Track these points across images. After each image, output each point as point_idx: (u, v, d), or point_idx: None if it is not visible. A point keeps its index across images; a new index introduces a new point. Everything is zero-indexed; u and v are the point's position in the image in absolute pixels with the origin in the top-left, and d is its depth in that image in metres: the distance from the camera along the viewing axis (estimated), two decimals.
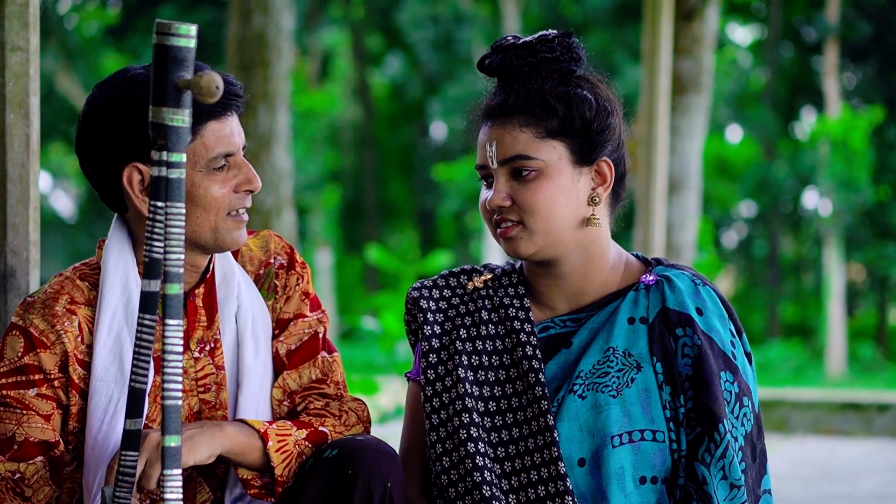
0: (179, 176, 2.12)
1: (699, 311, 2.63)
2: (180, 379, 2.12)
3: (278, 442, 2.58)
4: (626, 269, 2.73)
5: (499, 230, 2.65)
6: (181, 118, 2.12)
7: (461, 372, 2.67)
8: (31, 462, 2.55)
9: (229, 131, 2.61)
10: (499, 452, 2.63)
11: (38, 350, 2.58)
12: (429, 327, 2.74)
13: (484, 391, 2.67)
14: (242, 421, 2.60)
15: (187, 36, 2.12)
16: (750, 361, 2.68)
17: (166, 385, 2.10)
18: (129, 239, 2.66)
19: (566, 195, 2.63)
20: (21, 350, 2.58)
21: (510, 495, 2.60)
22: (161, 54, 2.12)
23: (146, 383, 2.23)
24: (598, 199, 2.66)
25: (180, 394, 2.12)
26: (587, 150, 2.64)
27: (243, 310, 2.71)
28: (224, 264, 2.73)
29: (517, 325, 2.69)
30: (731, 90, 25.46)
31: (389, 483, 2.53)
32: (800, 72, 27.38)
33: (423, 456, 2.75)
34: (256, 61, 8.32)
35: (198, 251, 2.65)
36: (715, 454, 2.56)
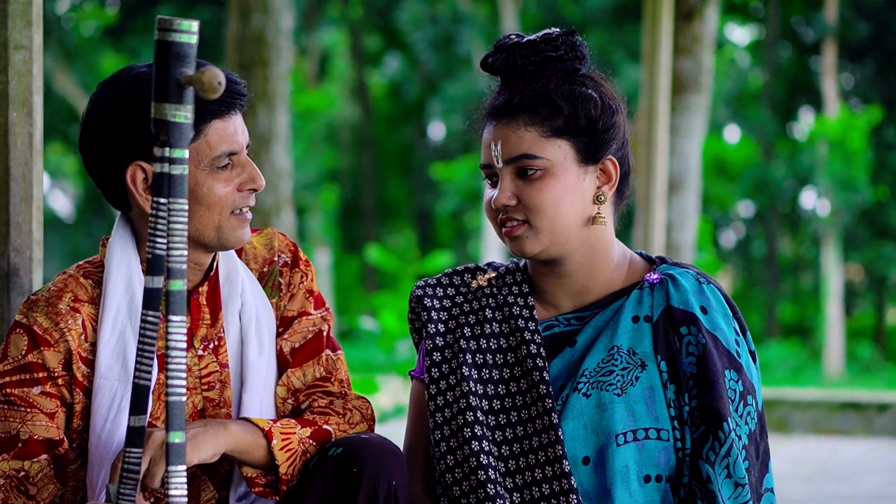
0: (182, 172, 2.12)
1: (703, 310, 2.63)
2: (184, 375, 2.12)
3: (282, 440, 2.57)
4: (631, 267, 2.73)
5: (504, 229, 2.65)
6: (183, 114, 2.12)
7: (465, 370, 2.67)
8: (35, 460, 2.55)
9: (233, 130, 2.60)
10: (503, 451, 2.63)
11: (42, 348, 2.58)
12: (433, 326, 2.73)
13: (488, 389, 2.67)
14: (246, 419, 2.59)
15: (189, 32, 2.12)
16: (754, 360, 2.68)
17: (170, 381, 2.10)
18: (132, 237, 2.66)
19: (572, 194, 2.63)
20: (25, 348, 2.58)
21: (514, 493, 2.60)
22: (163, 50, 2.12)
23: (150, 380, 2.23)
24: (603, 198, 2.66)
25: (184, 390, 2.12)
26: (593, 148, 2.64)
27: (247, 308, 2.71)
28: (228, 262, 2.73)
29: (521, 323, 2.69)
30: (729, 90, 25.48)
31: (394, 481, 2.53)
32: (798, 72, 27.40)
33: (427, 454, 2.74)
34: (256, 61, 8.32)
35: (201, 249, 2.65)
36: (719, 453, 2.56)
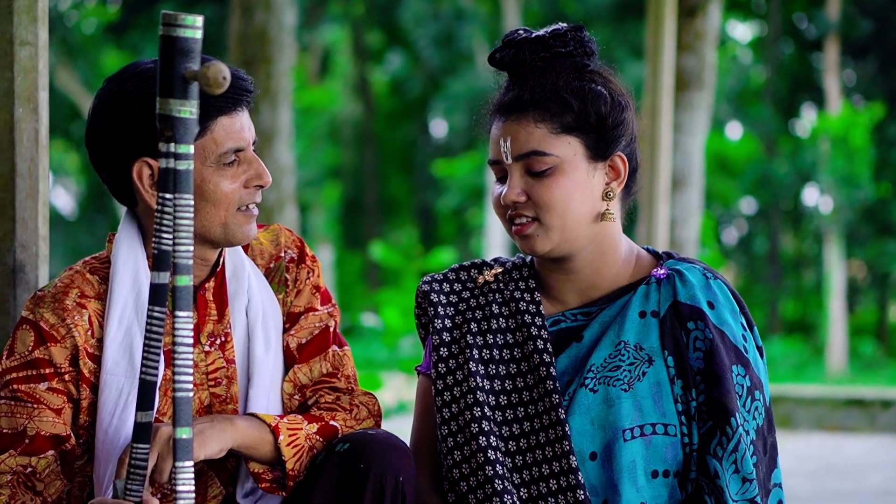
0: (187, 168, 2.12)
1: (711, 305, 2.63)
2: (191, 371, 2.12)
3: (289, 436, 2.57)
4: (637, 262, 2.73)
5: (514, 227, 2.64)
6: (188, 109, 2.12)
7: (472, 366, 2.66)
8: (42, 456, 2.55)
9: (239, 126, 2.60)
10: (510, 446, 2.63)
11: (49, 344, 2.58)
12: (439, 321, 2.73)
13: (495, 385, 2.67)
14: (253, 415, 2.59)
15: (193, 27, 2.11)
16: (761, 355, 2.68)
17: (177, 377, 2.10)
18: (139, 233, 2.66)
19: (581, 191, 2.62)
20: (31, 344, 2.58)
21: (522, 489, 2.60)
22: (167, 46, 2.11)
23: (156, 376, 2.22)
24: (612, 194, 2.66)
25: (191, 386, 2.12)
26: (602, 145, 2.64)
27: (254, 303, 2.71)
28: (234, 258, 2.72)
29: (528, 318, 2.69)
30: (731, 87, 25.45)
31: (401, 477, 2.53)
32: (800, 69, 27.39)
33: (435, 449, 2.74)
34: (258, 57, 8.33)
35: (208, 245, 2.65)
36: (727, 448, 2.56)
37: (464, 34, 25.41)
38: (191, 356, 2.12)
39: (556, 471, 2.58)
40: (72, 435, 2.58)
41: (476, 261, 2.83)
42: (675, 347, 2.62)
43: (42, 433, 2.55)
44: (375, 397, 2.79)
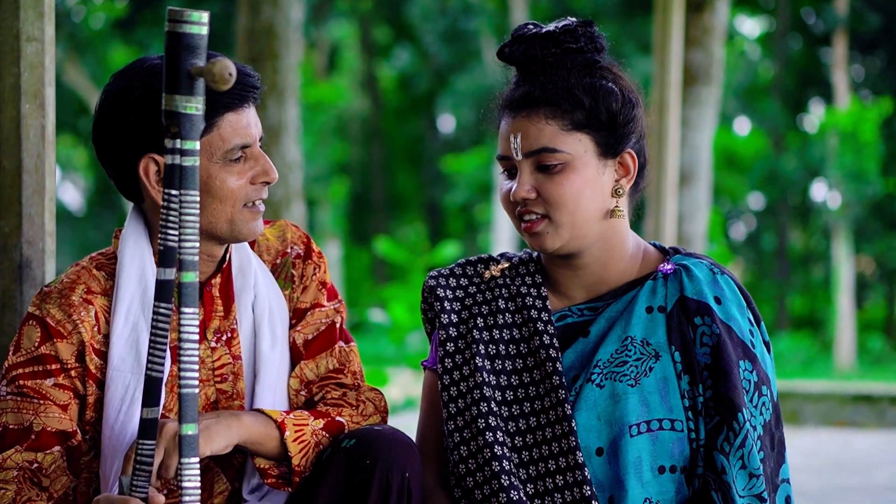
0: (193, 164, 2.12)
1: (717, 300, 2.62)
2: (197, 367, 2.11)
3: (295, 431, 2.57)
4: (644, 258, 2.72)
5: (524, 224, 2.63)
6: (194, 105, 2.11)
7: (478, 361, 2.66)
8: (48, 452, 2.55)
9: (246, 123, 2.60)
10: (516, 441, 2.63)
11: (55, 340, 2.58)
12: (446, 316, 2.73)
13: (501, 380, 2.66)
14: (259, 410, 2.59)
15: (199, 23, 2.11)
16: (768, 350, 2.67)
17: (183, 373, 2.10)
18: (145, 229, 2.66)
19: (592, 188, 2.61)
20: (38, 340, 2.58)
21: (528, 484, 2.60)
22: (173, 42, 2.11)
23: (162, 372, 2.22)
24: (621, 191, 2.65)
25: (197, 382, 2.11)
26: (613, 142, 2.63)
27: (260, 299, 2.71)
28: (241, 254, 2.72)
29: (534, 313, 2.68)
30: (739, 82, 25.43)
31: (407, 473, 2.53)
32: (808, 64, 27.36)
33: (441, 445, 2.74)
34: (265, 53, 8.32)
35: (214, 241, 2.64)
36: (734, 443, 2.55)
37: (471, 29, 25.41)
38: (197, 352, 2.11)
39: (562, 466, 2.58)
40: (78, 431, 2.58)
41: (483, 256, 2.83)
42: (681, 343, 2.61)
43: (48, 429, 2.55)
44: (382, 393, 2.79)
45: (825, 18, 25.07)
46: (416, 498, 2.55)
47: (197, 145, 2.13)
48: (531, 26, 2.69)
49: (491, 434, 2.61)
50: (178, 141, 2.13)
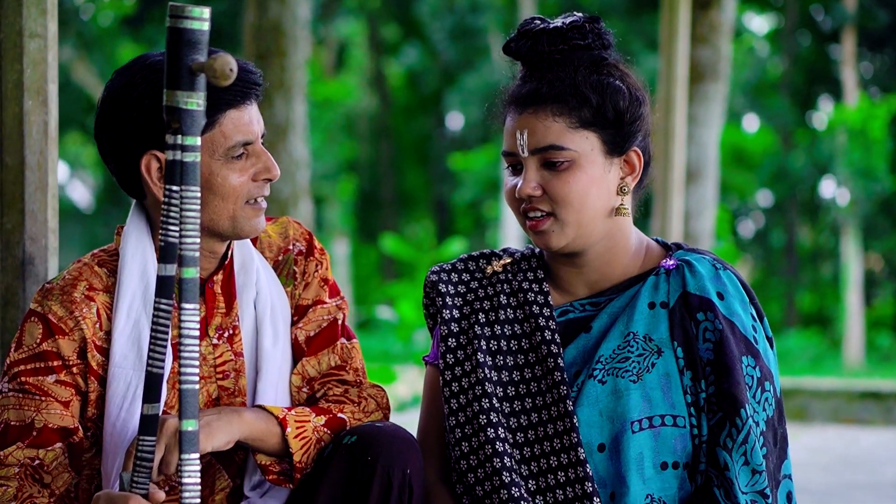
0: (194, 159, 2.12)
1: (720, 296, 2.62)
2: (197, 363, 2.11)
3: (297, 428, 2.57)
4: (647, 253, 2.72)
5: (529, 222, 2.63)
6: (195, 101, 2.11)
7: (480, 356, 2.66)
8: (50, 448, 2.55)
9: (248, 119, 2.60)
10: (518, 438, 2.62)
11: (57, 336, 2.58)
12: (447, 311, 2.73)
13: (503, 376, 2.66)
14: (261, 407, 2.59)
15: (201, 19, 2.11)
16: (771, 346, 2.67)
17: (183, 369, 2.10)
18: (147, 225, 2.65)
19: (598, 186, 2.61)
20: (39, 336, 2.58)
21: (529, 481, 2.59)
22: (174, 37, 2.11)
23: (163, 368, 2.22)
24: (626, 189, 2.64)
25: (197, 378, 2.11)
26: (619, 140, 2.62)
27: (262, 296, 2.71)
28: (243, 251, 2.72)
29: (536, 309, 2.68)
30: (748, 79, 25.39)
31: (409, 470, 2.52)
32: (817, 60, 27.31)
33: (442, 440, 2.74)
34: (273, 50, 8.33)
35: (216, 238, 2.64)
36: (737, 439, 2.55)
37: (479, 27, 25.39)
38: (197, 348, 2.11)
39: (563, 463, 2.57)
40: (80, 427, 2.58)
41: (485, 251, 2.82)
42: (684, 338, 2.61)
43: (50, 425, 2.55)
44: (384, 390, 2.79)
45: (834, 15, 25.02)
46: (417, 494, 2.55)
47: (198, 141, 2.13)
48: (538, 21, 2.67)
49: (493, 430, 2.60)
50: (179, 137, 2.13)
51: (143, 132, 2.55)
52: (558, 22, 2.65)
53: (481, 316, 2.71)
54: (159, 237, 2.17)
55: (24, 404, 2.56)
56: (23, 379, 2.56)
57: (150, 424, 2.27)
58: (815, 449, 8.72)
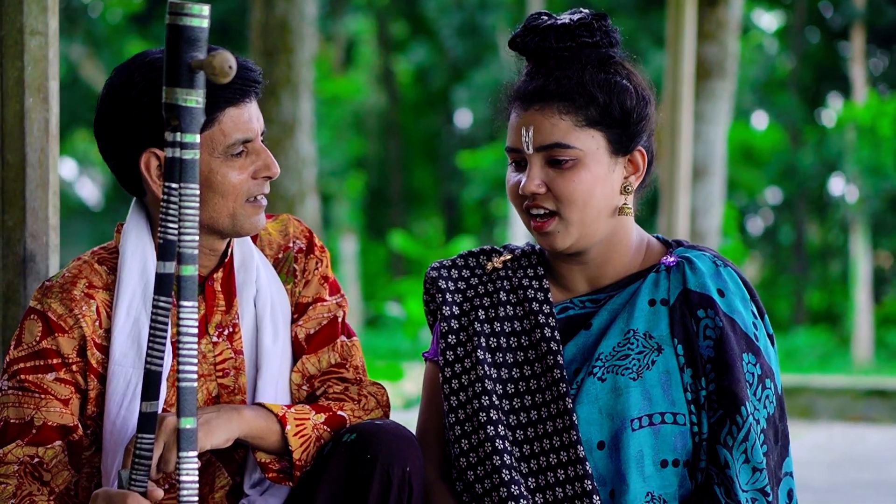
0: (193, 157, 2.12)
1: (721, 293, 2.61)
2: (195, 361, 2.11)
3: (297, 426, 2.57)
4: (648, 250, 2.71)
5: (534, 223, 2.62)
6: (194, 98, 2.12)
7: (480, 353, 2.65)
8: (49, 446, 2.55)
9: (248, 117, 2.59)
10: (517, 435, 2.62)
11: (56, 334, 2.58)
12: (447, 308, 2.72)
13: (502, 373, 2.66)
14: (261, 405, 2.59)
15: (200, 16, 2.11)
16: (772, 343, 2.66)
17: (181, 367, 2.10)
18: (147, 223, 2.65)
19: (602, 185, 2.60)
20: (39, 334, 2.58)
21: (529, 478, 2.59)
22: (174, 34, 2.11)
23: (162, 366, 2.22)
24: (630, 188, 2.64)
25: (195, 376, 2.11)
26: (625, 139, 2.61)
27: (262, 294, 2.70)
28: (243, 248, 2.72)
29: (536, 306, 2.67)
30: (756, 76, 25.35)
31: (408, 467, 2.52)
32: (826, 57, 27.26)
33: (441, 437, 2.73)
34: (279, 48, 8.32)
35: (216, 236, 2.64)
36: (737, 437, 2.54)
37: (488, 24, 25.38)
38: (195, 346, 2.11)
39: (563, 460, 2.57)
40: (79, 425, 2.58)
41: (485, 247, 2.81)
42: (684, 335, 2.60)
43: (49, 423, 2.55)
44: (384, 388, 2.78)
45: (843, 12, 24.98)
46: (416, 492, 2.54)
47: (197, 138, 2.13)
48: (545, 17, 2.66)
49: (492, 428, 2.60)
50: (178, 134, 2.13)
51: (142, 130, 2.55)
52: (566, 18, 2.64)
53: (481, 313, 2.70)
54: (158, 235, 2.17)
55: (23, 402, 2.56)
56: (22, 377, 2.56)
57: (148, 422, 2.27)
58: (820, 447, 8.71)
